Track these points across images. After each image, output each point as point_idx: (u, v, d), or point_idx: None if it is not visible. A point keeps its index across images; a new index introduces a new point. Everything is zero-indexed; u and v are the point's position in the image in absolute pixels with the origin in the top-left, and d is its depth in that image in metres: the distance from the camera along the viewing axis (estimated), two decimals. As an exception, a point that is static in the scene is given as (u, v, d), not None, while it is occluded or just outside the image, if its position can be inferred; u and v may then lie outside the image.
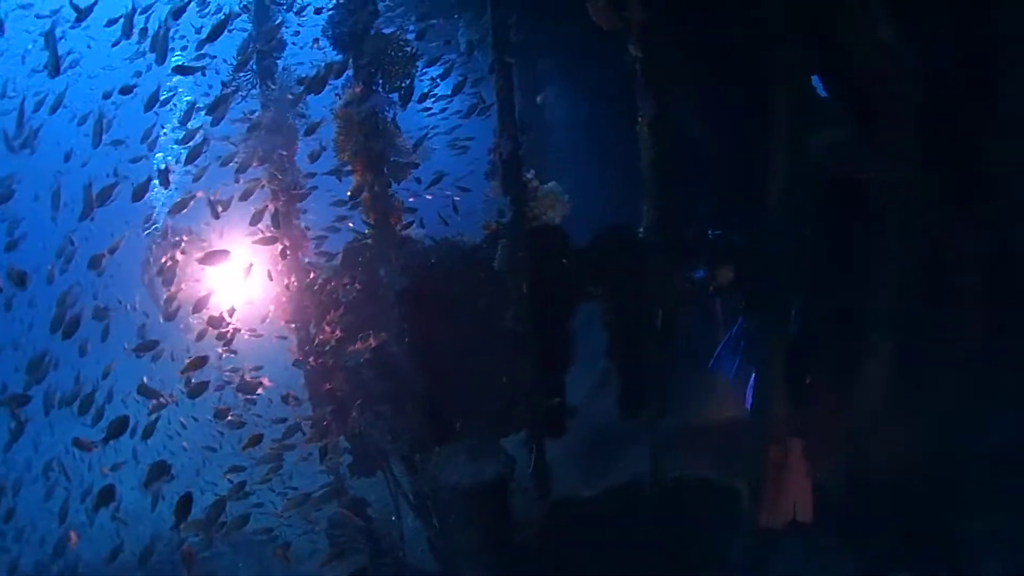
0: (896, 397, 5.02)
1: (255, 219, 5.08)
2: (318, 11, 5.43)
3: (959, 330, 4.96)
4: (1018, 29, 4.47)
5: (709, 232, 5.34)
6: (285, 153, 5.67)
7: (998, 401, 4.98)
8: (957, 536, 4.97)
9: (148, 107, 5.42)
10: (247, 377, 5.72)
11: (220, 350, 6.12)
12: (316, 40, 5.27)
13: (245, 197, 5.04)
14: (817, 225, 4.75)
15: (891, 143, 4.84)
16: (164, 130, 7.34)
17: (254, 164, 5.23)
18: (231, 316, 6.07)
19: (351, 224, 5.74)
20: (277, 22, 5.40)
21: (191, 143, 5.29)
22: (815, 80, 5.10)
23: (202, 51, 5.97)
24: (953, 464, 5.02)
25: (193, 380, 5.49)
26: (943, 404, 5.04)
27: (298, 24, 5.62)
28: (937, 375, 4.99)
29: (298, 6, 5.42)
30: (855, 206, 4.99)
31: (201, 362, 5.52)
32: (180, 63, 5.94)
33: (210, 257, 5.21)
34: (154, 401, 4.50)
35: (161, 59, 5.23)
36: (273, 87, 5.63)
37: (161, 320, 6.17)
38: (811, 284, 4.88)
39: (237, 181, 5.22)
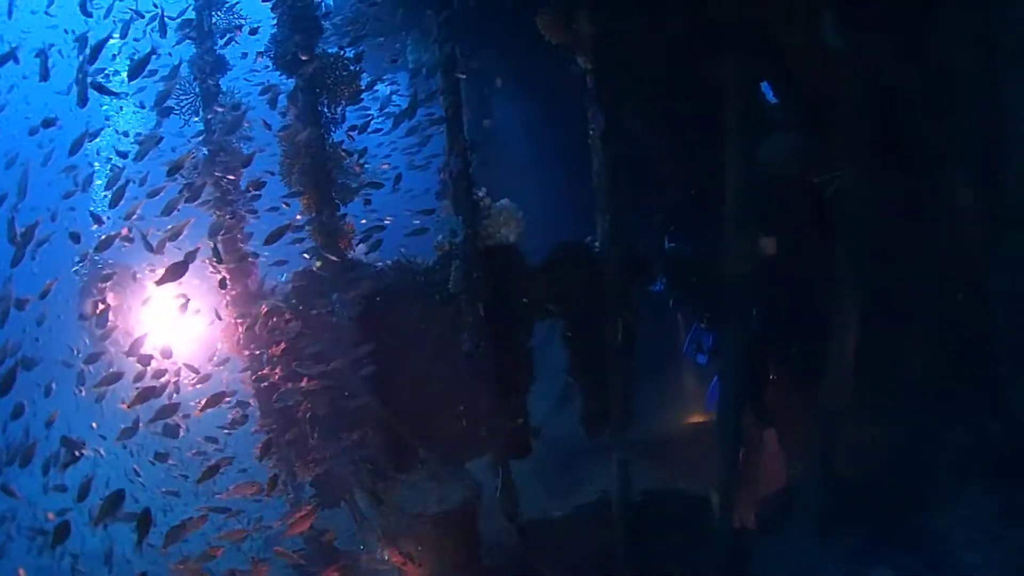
0: (858, 394, 5.02)
1: (188, 260, 4.88)
2: (253, 31, 5.29)
3: (914, 328, 5.00)
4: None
5: (665, 243, 5.29)
6: (232, 178, 5.51)
7: (955, 399, 5.02)
8: (928, 531, 4.99)
9: (73, 150, 5.24)
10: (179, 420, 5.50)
11: (171, 387, 5.90)
12: (260, 53, 5.13)
13: (175, 236, 4.85)
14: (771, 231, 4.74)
15: (842, 148, 4.86)
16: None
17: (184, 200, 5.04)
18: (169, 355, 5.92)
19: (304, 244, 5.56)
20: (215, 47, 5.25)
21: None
22: (764, 87, 5.12)
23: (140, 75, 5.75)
24: (920, 460, 5.05)
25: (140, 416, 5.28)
26: (905, 401, 5.06)
27: (235, 43, 5.46)
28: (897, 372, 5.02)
29: (236, 26, 5.27)
30: (808, 211, 5.01)
31: (148, 394, 5.30)
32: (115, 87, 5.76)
33: (168, 273, 4.90)
34: (77, 452, 4.29)
35: (82, 102, 5.07)
36: (218, 110, 5.46)
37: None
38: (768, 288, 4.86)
39: (170, 214, 5.02)
